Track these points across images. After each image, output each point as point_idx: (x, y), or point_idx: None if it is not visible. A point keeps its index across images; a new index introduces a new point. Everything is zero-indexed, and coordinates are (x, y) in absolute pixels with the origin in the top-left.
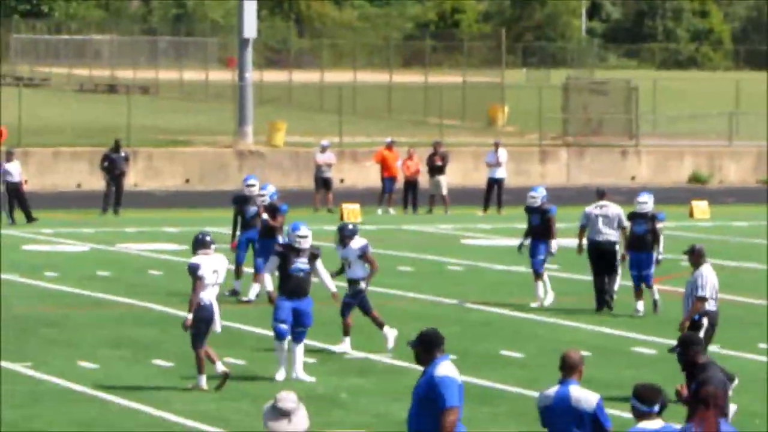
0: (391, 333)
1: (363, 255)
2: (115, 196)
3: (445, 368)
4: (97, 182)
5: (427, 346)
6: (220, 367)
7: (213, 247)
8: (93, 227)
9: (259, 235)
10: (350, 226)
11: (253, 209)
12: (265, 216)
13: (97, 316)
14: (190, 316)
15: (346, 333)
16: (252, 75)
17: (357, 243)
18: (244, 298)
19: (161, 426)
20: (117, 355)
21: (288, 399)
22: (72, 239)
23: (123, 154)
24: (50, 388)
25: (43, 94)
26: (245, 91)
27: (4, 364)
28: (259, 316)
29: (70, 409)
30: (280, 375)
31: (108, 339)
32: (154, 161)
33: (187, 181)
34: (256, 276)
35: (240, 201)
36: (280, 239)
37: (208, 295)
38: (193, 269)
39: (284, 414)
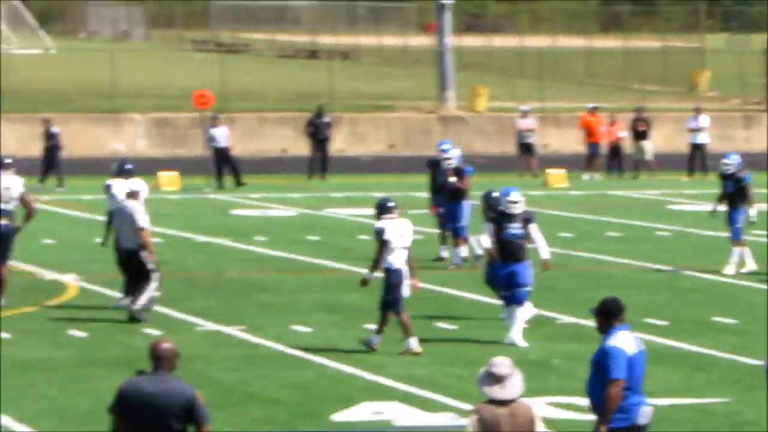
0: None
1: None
2: (321, 162)
3: (617, 339)
4: (302, 147)
5: (605, 315)
6: (375, 340)
7: (397, 212)
8: (300, 192)
9: (447, 198)
10: (494, 194)
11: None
12: (452, 179)
13: (308, 280)
14: (370, 276)
15: None
16: (451, 40)
17: None
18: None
19: (376, 390)
20: (330, 319)
21: (503, 364)
22: (280, 204)
23: (326, 119)
24: (265, 352)
25: (244, 60)
26: (445, 56)
27: (221, 327)
28: (470, 281)
29: (286, 373)
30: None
31: (320, 303)
32: (359, 127)
33: (392, 146)
34: (457, 240)
35: (433, 165)
36: (469, 202)
37: (396, 259)
38: (379, 233)
39: (498, 379)
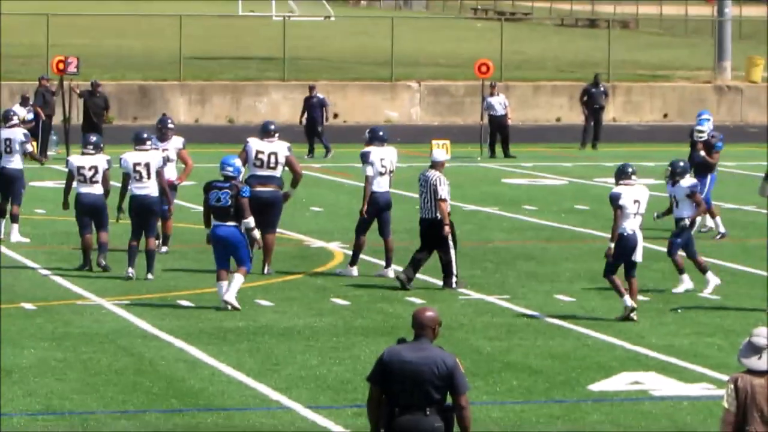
0: (713, 280)
1: (692, 194)
2: (593, 131)
3: None
4: (576, 116)
5: None
6: (627, 302)
7: (634, 177)
8: (571, 161)
9: (695, 170)
10: (681, 163)
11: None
12: (702, 152)
13: (574, 250)
14: (612, 245)
15: (680, 271)
16: (731, 10)
17: (687, 182)
18: (721, 230)
19: (634, 360)
20: (593, 289)
21: (762, 335)
22: (550, 173)
23: (602, 88)
24: (526, 322)
25: (523, 28)
26: (724, 27)
27: (483, 296)
28: (731, 250)
29: (546, 342)
30: None
31: (585, 273)
32: (633, 96)
33: (665, 115)
34: (708, 210)
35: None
36: (714, 176)
37: (630, 225)
38: (614, 198)
39: (757, 350)
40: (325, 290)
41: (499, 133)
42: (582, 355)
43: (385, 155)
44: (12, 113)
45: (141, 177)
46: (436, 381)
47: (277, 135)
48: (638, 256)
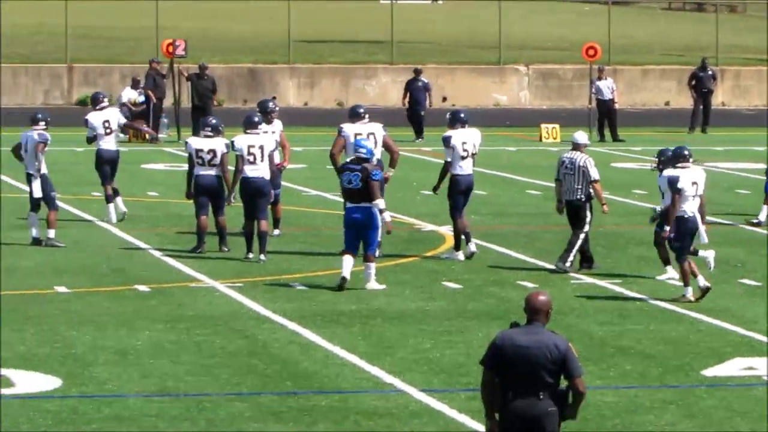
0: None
1: (670, 185)
2: (702, 115)
3: None
4: (684, 100)
5: None
6: (701, 282)
7: (691, 160)
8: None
9: None
10: (669, 152)
11: None
12: None
13: None
14: (667, 229)
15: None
16: None
17: (667, 173)
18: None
19: (747, 346)
20: (705, 273)
21: None
22: None
23: (710, 72)
24: (639, 306)
25: (631, 12)
26: None
27: (595, 281)
28: None
29: (659, 327)
30: None
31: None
32: (742, 80)
33: None
34: None
35: None
36: None
37: (690, 207)
38: (673, 182)
39: None
40: (437, 274)
41: (606, 117)
42: (695, 340)
43: (467, 138)
44: (102, 96)
45: (255, 159)
46: (548, 365)
47: (367, 116)
48: (703, 238)
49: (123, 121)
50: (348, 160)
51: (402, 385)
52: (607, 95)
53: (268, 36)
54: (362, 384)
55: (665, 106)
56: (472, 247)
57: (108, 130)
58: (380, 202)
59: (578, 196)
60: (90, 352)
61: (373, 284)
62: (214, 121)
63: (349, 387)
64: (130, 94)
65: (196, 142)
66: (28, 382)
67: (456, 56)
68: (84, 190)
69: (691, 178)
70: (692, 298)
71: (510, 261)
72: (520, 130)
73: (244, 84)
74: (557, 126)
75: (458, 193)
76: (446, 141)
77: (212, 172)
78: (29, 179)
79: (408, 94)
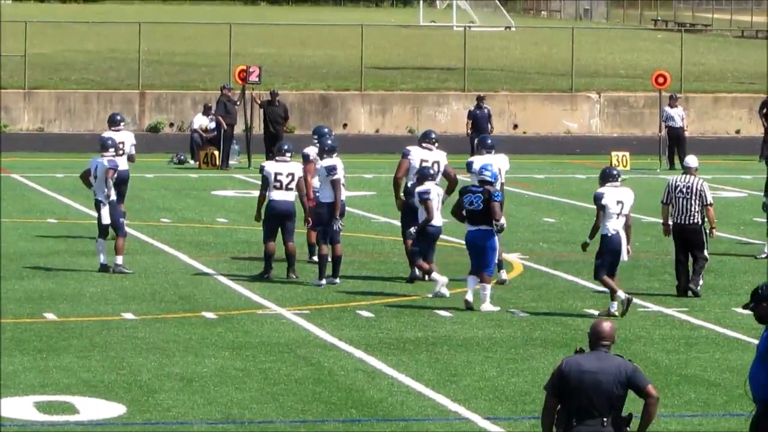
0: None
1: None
2: None
3: None
4: (755, 129)
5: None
6: (622, 296)
7: (619, 180)
8: (751, 174)
9: None
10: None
11: None
12: None
13: (753, 262)
14: (588, 241)
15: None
16: None
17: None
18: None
19: None
20: None
21: None
22: (730, 185)
23: None
24: (705, 334)
25: (703, 39)
26: None
27: (662, 309)
28: None
29: (725, 356)
30: None
31: None
32: None
33: None
34: None
35: None
36: None
37: (613, 225)
38: (597, 198)
39: None
40: (504, 301)
41: (676, 145)
42: None
43: (493, 163)
44: (119, 118)
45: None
46: (615, 389)
47: (436, 144)
48: (624, 256)
49: (134, 143)
50: (472, 183)
51: (466, 413)
52: (678, 123)
53: (340, 62)
54: (426, 412)
55: (736, 134)
56: (503, 275)
57: (121, 151)
58: (502, 221)
59: (696, 220)
60: (155, 379)
61: (488, 306)
62: (287, 146)
63: (414, 415)
64: (201, 121)
65: (274, 166)
66: (93, 409)
67: (528, 83)
68: (153, 217)
69: (616, 197)
70: (617, 313)
71: (577, 289)
72: (590, 158)
73: (316, 110)
74: (627, 154)
75: None
76: (468, 166)
77: (290, 197)
78: (98, 205)
79: (472, 122)
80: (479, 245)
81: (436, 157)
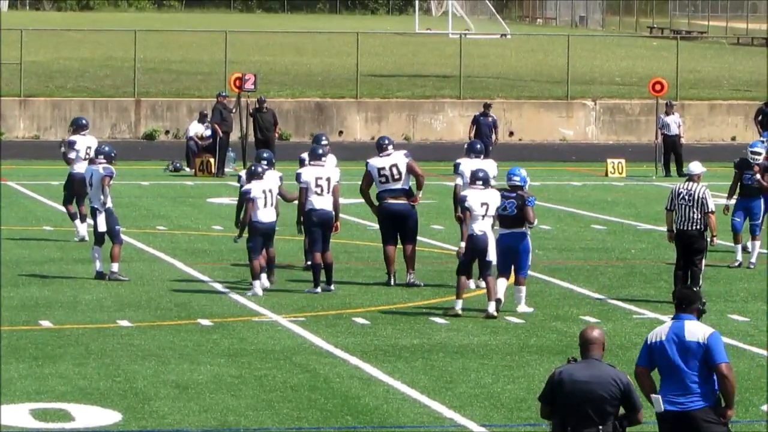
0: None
1: None
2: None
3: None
4: (751, 136)
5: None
6: (458, 305)
7: (485, 182)
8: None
9: (746, 193)
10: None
11: (747, 174)
12: (757, 176)
13: (748, 269)
14: (462, 245)
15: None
16: None
17: None
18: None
19: None
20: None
21: None
22: (725, 192)
23: None
24: None
25: (699, 47)
26: None
27: (658, 316)
28: None
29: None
30: None
31: (759, 293)
32: None
33: None
34: (754, 237)
35: (742, 165)
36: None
37: (479, 227)
38: (461, 201)
39: None
40: (500, 308)
41: (673, 152)
42: (756, 375)
43: (479, 167)
44: (85, 122)
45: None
46: (609, 399)
47: (390, 147)
48: (491, 256)
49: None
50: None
51: (462, 420)
52: (674, 130)
53: (335, 70)
54: (422, 419)
55: (732, 141)
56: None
57: (87, 156)
58: (536, 222)
59: (697, 227)
60: (151, 387)
61: (523, 307)
62: (321, 150)
63: (409, 422)
64: (197, 128)
65: (310, 173)
66: (88, 416)
67: (523, 90)
68: (149, 224)
69: (481, 199)
70: (460, 312)
71: (573, 296)
72: (585, 165)
73: (312, 118)
74: (623, 161)
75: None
76: (456, 167)
77: (327, 204)
78: (94, 213)
79: (475, 128)
80: (514, 248)
81: (392, 160)
